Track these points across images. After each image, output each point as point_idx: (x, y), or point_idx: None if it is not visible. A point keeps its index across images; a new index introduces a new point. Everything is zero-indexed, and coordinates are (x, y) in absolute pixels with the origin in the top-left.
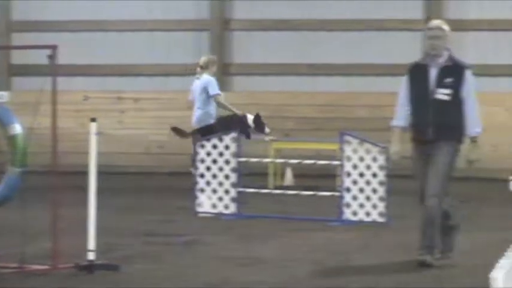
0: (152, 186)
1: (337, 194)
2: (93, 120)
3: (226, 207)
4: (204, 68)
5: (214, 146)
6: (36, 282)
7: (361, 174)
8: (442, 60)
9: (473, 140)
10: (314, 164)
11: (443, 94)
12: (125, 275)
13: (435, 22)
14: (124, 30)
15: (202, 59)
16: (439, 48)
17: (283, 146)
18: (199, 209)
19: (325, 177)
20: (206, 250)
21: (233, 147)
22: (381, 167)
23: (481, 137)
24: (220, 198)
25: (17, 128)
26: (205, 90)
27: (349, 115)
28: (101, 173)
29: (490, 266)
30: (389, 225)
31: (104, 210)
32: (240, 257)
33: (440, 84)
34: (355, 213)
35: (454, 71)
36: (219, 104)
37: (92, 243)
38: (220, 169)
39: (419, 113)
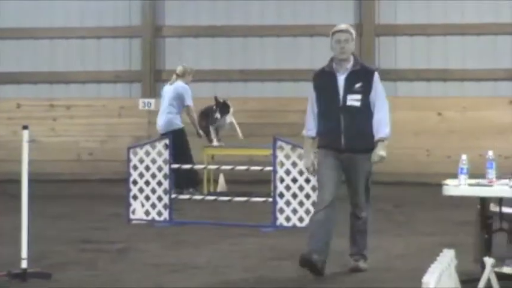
0: (84, 193)
1: (270, 199)
2: (25, 127)
3: (159, 214)
4: (180, 76)
5: (147, 153)
6: None
7: (294, 180)
8: (349, 65)
9: (381, 140)
10: (247, 169)
11: (353, 100)
12: (59, 282)
13: (343, 25)
14: (56, 37)
15: (179, 68)
16: (348, 52)
17: (216, 152)
18: (132, 216)
19: (259, 183)
20: (139, 257)
21: (166, 154)
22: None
23: (415, 141)
24: (153, 205)
25: None
26: (180, 97)
27: (282, 120)
28: (34, 181)
29: (423, 270)
30: None
31: (37, 217)
32: (172, 263)
33: (349, 90)
34: (288, 219)
35: (362, 76)
36: (190, 116)
37: (24, 251)
38: (153, 176)
39: (330, 122)
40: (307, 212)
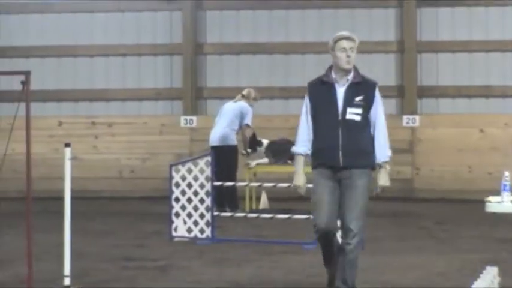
0: (125, 210)
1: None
2: (67, 145)
3: (202, 231)
4: (246, 97)
5: (189, 170)
6: None
7: None
8: (350, 76)
9: (383, 165)
10: (289, 187)
11: (354, 114)
12: None
13: (346, 32)
14: (96, 55)
15: (246, 90)
16: (353, 61)
17: (258, 169)
18: (175, 234)
19: (301, 200)
20: (180, 274)
21: (207, 171)
22: None
23: (457, 158)
24: (196, 223)
25: None
26: (241, 115)
27: None
28: (75, 198)
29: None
30: (362, 247)
31: (78, 235)
32: (214, 280)
33: (349, 103)
34: None
35: (363, 88)
36: (244, 134)
37: (67, 268)
38: (195, 193)
39: (327, 137)
40: None
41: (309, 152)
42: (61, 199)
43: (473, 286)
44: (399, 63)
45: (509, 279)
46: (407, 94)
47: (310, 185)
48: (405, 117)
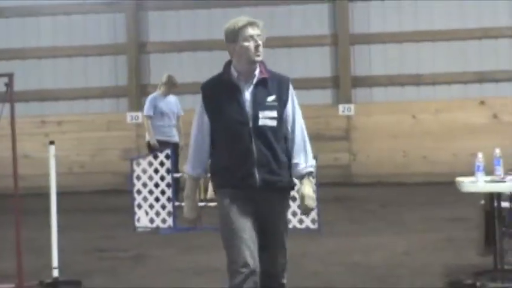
0: (80, 205)
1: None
2: (51, 142)
3: (164, 221)
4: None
5: (150, 163)
6: None
7: None
8: (256, 71)
9: (307, 178)
10: None
11: (268, 119)
12: None
13: (253, 19)
14: (44, 56)
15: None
16: (262, 52)
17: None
18: (138, 224)
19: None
20: (156, 263)
21: (167, 164)
22: None
23: (391, 143)
24: (157, 213)
25: None
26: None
27: None
28: (28, 195)
29: (434, 265)
30: (321, 231)
31: (44, 229)
32: (192, 267)
33: (261, 105)
34: (301, 222)
35: (274, 86)
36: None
37: (55, 261)
38: (156, 185)
39: (236, 151)
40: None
41: (205, 175)
42: (10, 196)
43: None
44: (333, 55)
45: (470, 255)
46: (342, 84)
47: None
48: (341, 106)
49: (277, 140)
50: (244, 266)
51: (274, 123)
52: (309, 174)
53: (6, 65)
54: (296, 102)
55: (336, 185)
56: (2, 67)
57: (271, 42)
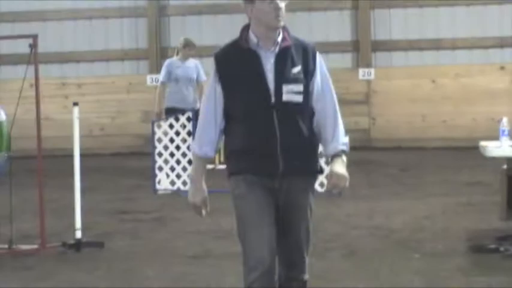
0: (100, 167)
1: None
2: (75, 104)
3: (184, 183)
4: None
5: (171, 126)
6: (28, 261)
7: None
8: (279, 38)
9: (340, 155)
10: None
11: (293, 93)
12: (111, 251)
13: None
14: (64, 18)
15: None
16: (284, 17)
17: None
18: (158, 187)
19: None
20: (178, 225)
21: (189, 126)
22: None
23: (410, 107)
24: (178, 176)
25: (1, 115)
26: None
27: None
28: (48, 157)
29: (454, 229)
30: (342, 195)
31: (64, 191)
32: (214, 230)
33: (285, 77)
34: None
35: (300, 55)
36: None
37: (78, 222)
38: (177, 148)
39: (256, 129)
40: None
41: (213, 155)
42: (34, 158)
43: None
44: (353, 19)
45: (491, 219)
46: (362, 48)
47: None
48: (361, 71)
49: (303, 118)
50: (260, 263)
51: (300, 98)
52: (342, 152)
53: (27, 26)
54: (326, 72)
55: (355, 149)
56: (23, 29)
57: (292, 6)
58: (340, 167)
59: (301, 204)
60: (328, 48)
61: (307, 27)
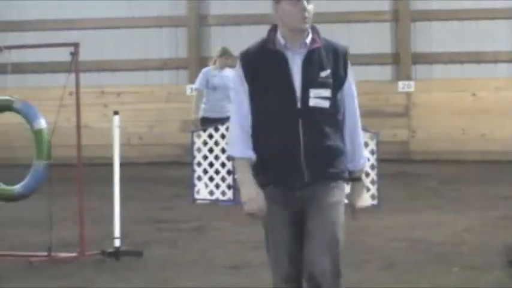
0: (138, 176)
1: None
2: (116, 113)
3: (223, 193)
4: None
5: (210, 136)
6: (66, 269)
7: None
8: (308, 39)
9: (359, 176)
10: None
11: (320, 99)
12: (149, 260)
13: None
14: (105, 27)
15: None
16: (311, 19)
17: None
18: (197, 196)
19: None
20: (218, 234)
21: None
22: (372, 152)
23: (450, 120)
24: (217, 186)
25: (42, 123)
26: None
27: None
28: (87, 165)
29: (495, 244)
30: (381, 207)
31: (103, 199)
32: (253, 240)
33: (313, 81)
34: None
35: (329, 58)
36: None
37: (117, 231)
38: (216, 158)
39: (280, 137)
40: (366, 189)
41: (254, 155)
42: (73, 166)
43: None
44: (393, 31)
45: None
46: (402, 61)
47: None
48: (400, 83)
49: (330, 125)
50: (287, 281)
51: (327, 104)
52: (360, 171)
53: (67, 35)
54: (353, 79)
55: (394, 161)
56: (63, 37)
57: (330, 17)
58: (361, 196)
59: (326, 208)
60: (368, 60)
61: (346, 39)
